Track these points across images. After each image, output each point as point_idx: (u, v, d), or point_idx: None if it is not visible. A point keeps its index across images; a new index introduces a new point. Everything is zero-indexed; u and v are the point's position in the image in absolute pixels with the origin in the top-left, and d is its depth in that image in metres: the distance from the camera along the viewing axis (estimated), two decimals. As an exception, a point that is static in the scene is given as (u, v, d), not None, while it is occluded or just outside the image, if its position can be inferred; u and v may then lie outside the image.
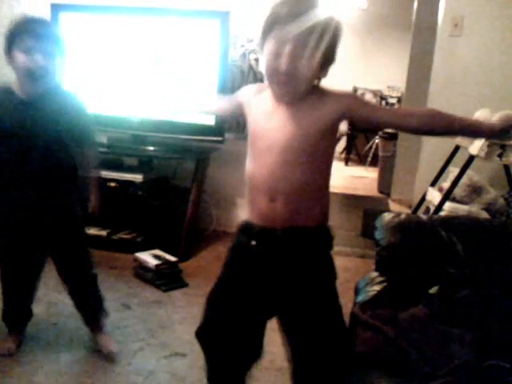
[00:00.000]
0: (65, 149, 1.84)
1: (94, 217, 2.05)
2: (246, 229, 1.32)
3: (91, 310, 2.07)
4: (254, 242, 1.29)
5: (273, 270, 1.28)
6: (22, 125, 1.76)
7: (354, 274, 2.82)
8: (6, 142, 1.78)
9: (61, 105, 1.83)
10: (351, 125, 6.97)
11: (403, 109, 1.41)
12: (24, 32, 1.70)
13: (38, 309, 2.24)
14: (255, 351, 1.39)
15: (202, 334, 1.40)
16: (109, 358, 1.96)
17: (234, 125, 3.36)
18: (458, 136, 1.65)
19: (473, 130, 1.30)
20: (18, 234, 1.88)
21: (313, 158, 1.25)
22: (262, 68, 1.23)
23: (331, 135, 1.27)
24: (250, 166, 1.32)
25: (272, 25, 1.17)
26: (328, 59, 1.20)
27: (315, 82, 1.24)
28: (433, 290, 1.38)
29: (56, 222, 1.89)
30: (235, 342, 1.35)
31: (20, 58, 1.70)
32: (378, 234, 1.81)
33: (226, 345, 1.36)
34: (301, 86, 1.20)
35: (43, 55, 1.71)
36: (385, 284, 1.59)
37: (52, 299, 2.35)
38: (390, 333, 1.23)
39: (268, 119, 1.27)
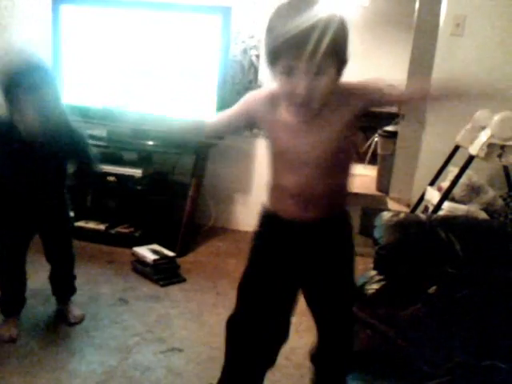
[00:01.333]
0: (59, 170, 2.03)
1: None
2: (273, 218, 1.35)
3: (66, 284, 2.21)
4: (282, 231, 1.34)
5: (299, 250, 1.35)
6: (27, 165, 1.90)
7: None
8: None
9: (60, 143, 1.92)
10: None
11: (403, 91, 1.41)
12: (16, 87, 1.76)
13: (33, 302, 2.24)
14: (283, 335, 1.45)
15: (235, 321, 1.42)
16: (74, 323, 2.14)
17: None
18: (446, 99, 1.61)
19: (460, 94, 1.36)
20: (10, 216, 2.00)
21: (343, 161, 1.29)
22: (278, 88, 1.20)
23: (355, 128, 1.30)
24: (275, 174, 1.33)
25: (279, 51, 1.14)
26: (342, 61, 1.20)
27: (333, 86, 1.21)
28: (432, 290, 1.38)
29: (46, 205, 2.02)
30: (267, 325, 1.39)
31: (16, 116, 1.81)
32: (376, 233, 1.82)
33: (259, 329, 1.39)
34: (320, 101, 1.18)
35: (37, 106, 1.79)
36: (383, 283, 1.60)
37: (49, 292, 2.34)
38: (389, 332, 1.23)
39: (293, 135, 1.25)
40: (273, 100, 1.27)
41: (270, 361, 1.46)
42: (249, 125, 1.41)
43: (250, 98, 1.33)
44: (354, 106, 1.23)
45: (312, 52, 1.09)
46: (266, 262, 1.38)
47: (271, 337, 1.42)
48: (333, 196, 1.31)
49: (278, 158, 1.30)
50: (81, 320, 2.16)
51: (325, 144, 1.23)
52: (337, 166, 1.27)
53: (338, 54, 1.15)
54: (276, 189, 1.34)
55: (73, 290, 2.23)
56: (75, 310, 2.19)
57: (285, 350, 1.96)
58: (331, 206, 1.32)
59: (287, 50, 1.11)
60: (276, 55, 1.15)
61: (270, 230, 1.37)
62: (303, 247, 1.35)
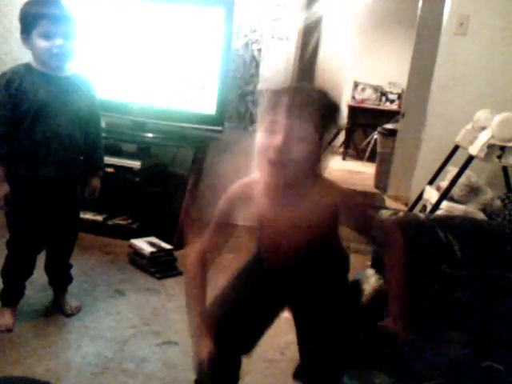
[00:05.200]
0: (80, 127, 1.96)
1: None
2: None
3: (63, 272, 2.19)
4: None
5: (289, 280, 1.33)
6: (46, 99, 1.84)
7: (348, 269, 2.83)
8: (27, 112, 1.83)
9: (79, 87, 1.94)
10: (350, 119, 6.96)
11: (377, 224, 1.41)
12: (42, 16, 1.78)
13: (29, 292, 2.24)
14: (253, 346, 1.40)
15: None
16: (71, 314, 2.14)
17: (234, 115, 3.35)
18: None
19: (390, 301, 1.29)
20: (31, 208, 1.95)
21: (323, 237, 1.28)
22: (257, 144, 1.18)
23: (334, 218, 1.27)
24: (256, 239, 1.37)
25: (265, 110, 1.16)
26: (324, 138, 1.16)
27: (314, 168, 1.21)
28: (430, 291, 1.38)
29: (63, 192, 2.01)
30: (241, 341, 1.36)
31: (41, 43, 1.79)
32: (375, 231, 1.81)
33: (233, 345, 1.34)
34: (296, 166, 1.15)
35: (63, 38, 1.80)
36: (381, 282, 1.59)
37: (44, 282, 2.34)
38: (387, 332, 1.23)
39: (271, 223, 1.28)
40: (248, 196, 1.31)
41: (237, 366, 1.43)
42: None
43: (228, 201, 1.38)
44: (332, 205, 1.24)
45: (295, 114, 1.10)
46: (253, 279, 1.39)
47: (242, 349, 1.39)
48: (314, 257, 1.30)
49: (258, 225, 1.34)
50: (77, 311, 2.16)
51: (302, 228, 1.24)
52: (317, 240, 1.27)
53: (320, 127, 1.13)
54: (259, 244, 1.38)
55: (69, 279, 2.22)
56: (72, 301, 2.19)
57: (279, 345, 1.97)
58: (317, 274, 1.31)
59: (272, 107, 1.13)
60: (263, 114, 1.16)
61: (257, 265, 1.39)
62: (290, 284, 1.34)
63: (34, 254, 2.06)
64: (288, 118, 1.10)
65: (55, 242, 2.11)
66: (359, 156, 7.04)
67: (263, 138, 1.15)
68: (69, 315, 2.13)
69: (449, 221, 1.81)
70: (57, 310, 2.16)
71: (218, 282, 1.46)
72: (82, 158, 2.02)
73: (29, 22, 1.80)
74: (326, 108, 1.14)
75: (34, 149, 1.88)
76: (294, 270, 1.31)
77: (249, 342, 1.38)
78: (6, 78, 1.83)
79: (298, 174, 1.17)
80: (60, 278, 2.21)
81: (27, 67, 1.87)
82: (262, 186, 1.26)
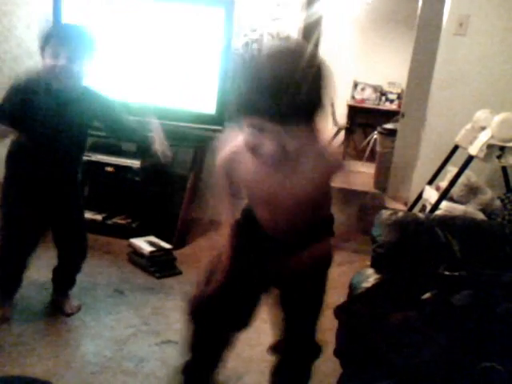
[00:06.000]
0: (85, 135, 2.06)
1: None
2: (252, 222, 1.37)
3: (69, 278, 2.20)
4: (258, 236, 1.37)
5: (276, 253, 1.35)
6: (48, 109, 1.89)
7: (347, 269, 2.83)
8: (36, 118, 1.89)
9: (87, 101, 1.98)
10: (350, 119, 6.96)
11: None
12: (53, 37, 1.84)
13: (30, 290, 2.24)
14: (244, 322, 1.46)
15: (198, 303, 1.43)
16: (71, 314, 2.14)
17: (234, 115, 3.34)
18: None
19: None
20: (27, 198, 1.98)
21: (315, 201, 1.30)
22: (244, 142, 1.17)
23: (326, 184, 1.32)
24: (249, 200, 1.38)
25: (244, 106, 1.11)
26: (315, 105, 1.10)
27: (306, 132, 1.16)
28: (426, 296, 1.38)
29: (62, 191, 2.04)
30: (229, 316, 1.41)
31: (48, 61, 1.84)
32: (375, 231, 1.81)
33: (220, 314, 1.40)
34: (287, 155, 1.15)
35: (68, 59, 1.83)
36: (377, 281, 1.59)
37: (46, 280, 2.34)
38: (366, 331, 1.25)
39: (262, 183, 1.27)
40: (236, 157, 1.30)
41: (226, 342, 1.50)
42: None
43: (221, 163, 1.39)
44: (325, 169, 1.26)
45: (277, 110, 1.04)
46: (239, 256, 1.38)
47: (229, 322, 1.44)
48: (306, 225, 1.33)
49: (248, 197, 1.36)
50: (77, 310, 2.17)
51: (295, 188, 1.24)
52: (308, 206, 1.29)
53: (310, 95, 1.07)
54: (251, 206, 1.38)
55: (73, 283, 2.23)
56: (72, 301, 2.19)
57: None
58: (303, 231, 1.34)
59: (252, 106, 1.08)
60: (241, 110, 1.13)
61: (248, 230, 1.39)
62: (275, 258, 1.35)
63: (26, 250, 2.04)
64: (268, 101, 1.04)
65: (64, 245, 2.13)
66: (359, 156, 7.02)
67: (250, 139, 1.13)
68: (68, 314, 2.13)
69: (448, 221, 1.82)
70: (56, 309, 2.16)
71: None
72: (81, 158, 2.12)
73: (43, 40, 1.86)
74: (310, 88, 1.06)
75: (32, 150, 1.93)
76: (288, 232, 1.33)
77: (237, 317, 1.44)
78: (21, 83, 1.91)
79: (288, 155, 1.16)
80: (65, 282, 2.21)
81: (37, 81, 1.91)
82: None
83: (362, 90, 7.04)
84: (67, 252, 2.15)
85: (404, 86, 5.17)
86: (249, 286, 1.40)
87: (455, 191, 2.82)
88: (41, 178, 1.97)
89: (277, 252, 1.35)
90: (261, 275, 1.39)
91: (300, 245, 1.33)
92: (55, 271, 2.18)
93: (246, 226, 1.39)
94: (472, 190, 2.83)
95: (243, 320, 1.45)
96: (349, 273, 1.97)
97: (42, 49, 1.87)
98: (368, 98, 7.04)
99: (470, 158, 2.66)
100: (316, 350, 1.48)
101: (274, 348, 1.52)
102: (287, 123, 1.07)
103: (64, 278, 2.20)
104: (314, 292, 1.43)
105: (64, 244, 2.13)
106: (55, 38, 1.84)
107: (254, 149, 1.14)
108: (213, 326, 1.43)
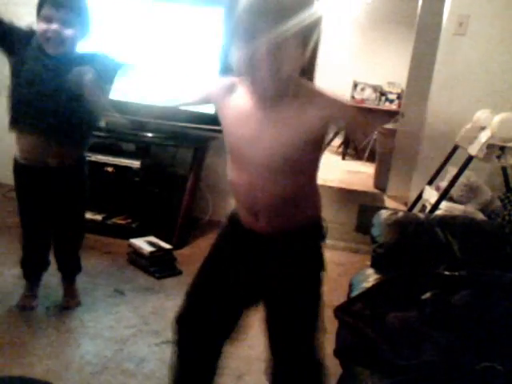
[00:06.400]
0: (78, 104, 1.89)
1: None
2: (235, 222, 1.29)
3: (72, 260, 2.22)
4: (240, 238, 1.28)
5: (260, 259, 1.26)
6: (39, 70, 1.87)
7: (347, 269, 2.84)
8: (22, 85, 1.88)
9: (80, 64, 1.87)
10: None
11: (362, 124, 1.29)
12: (47, 1, 1.82)
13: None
14: (230, 334, 1.36)
15: (183, 319, 1.37)
16: (67, 307, 2.17)
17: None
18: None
19: None
20: (33, 180, 2.00)
21: (296, 169, 1.16)
22: (234, 60, 1.11)
23: (317, 143, 1.17)
24: (229, 173, 1.24)
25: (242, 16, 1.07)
26: (307, 40, 1.08)
27: (295, 73, 1.12)
28: (426, 296, 1.38)
29: (66, 176, 2.01)
30: (215, 326, 1.33)
31: (40, 25, 1.83)
32: (374, 231, 1.82)
33: (206, 329, 1.33)
34: (280, 77, 1.07)
35: (61, 24, 1.81)
36: (378, 281, 1.60)
37: (46, 281, 2.34)
38: (366, 331, 1.24)
39: (245, 125, 1.16)
40: (232, 87, 1.20)
41: (216, 355, 1.38)
42: (205, 103, 1.34)
43: (214, 83, 1.29)
44: (317, 116, 1.11)
45: (276, 17, 1.02)
46: (222, 264, 1.33)
47: (217, 335, 1.36)
48: (286, 205, 1.19)
49: (230, 153, 1.22)
50: (75, 305, 2.19)
51: (274, 143, 1.13)
52: (287, 174, 1.16)
53: (301, 34, 1.06)
54: (232, 192, 1.27)
55: (74, 267, 2.24)
56: (74, 295, 2.21)
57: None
58: (289, 217, 1.21)
59: (252, 13, 1.05)
60: (239, 22, 1.08)
61: (231, 233, 1.32)
62: (257, 261, 1.26)
63: (37, 233, 2.10)
64: (267, 23, 1.03)
65: (59, 227, 2.14)
66: (358, 156, 7.03)
67: (244, 49, 1.07)
68: (66, 308, 2.16)
69: (448, 221, 1.82)
70: (55, 305, 2.18)
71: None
72: (83, 139, 2.05)
73: (39, 4, 1.85)
74: (306, 11, 1.06)
75: (18, 108, 1.91)
76: (268, 213, 1.20)
77: (224, 325, 1.35)
78: (28, 30, 1.92)
79: (286, 81, 1.09)
80: (65, 263, 2.22)
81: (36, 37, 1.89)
82: (246, 98, 1.16)
83: (362, 90, 7.05)
84: (62, 230, 2.15)
85: (404, 85, 5.17)
86: (231, 295, 1.31)
87: (455, 191, 2.82)
88: (42, 158, 1.94)
89: (261, 253, 1.26)
90: (244, 282, 1.30)
91: (284, 242, 1.23)
92: (55, 255, 2.19)
93: (230, 230, 1.32)
94: (472, 190, 2.83)
95: (227, 330, 1.36)
96: (349, 273, 1.98)
97: (38, 14, 1.85)
98: (368, 98, 7.04)
99: (470, 158, 2.66)
100: (316, 370, 1.28)
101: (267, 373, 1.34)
102: (283, 48, 1.05)
103: (64, 261, 2.21)
104: (305, 300, 1.28)
105: (59, 223, 2.12)
106: (49, 1, 1.82)
107: (249, 70, 1.08)
108: (197, 337, 1.34)
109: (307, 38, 1.09)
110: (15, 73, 1.90)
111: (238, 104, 1.18)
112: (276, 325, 1.28)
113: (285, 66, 1.06)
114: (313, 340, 1.26)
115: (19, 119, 1.92)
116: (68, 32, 1.84)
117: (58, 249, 2.18)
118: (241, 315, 1.34)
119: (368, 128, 1.24)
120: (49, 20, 1.81)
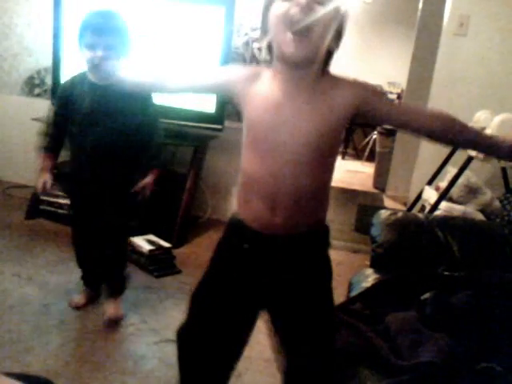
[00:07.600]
0: (125, 135, 1.98)
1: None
2: (238, 228, 1.20)
3: (113, 279, 2.21)
4: (246, 245, 1.19)
5: (266, 271, 1.19)
6: (90, 108, 1.93)
7: (346, 269, 2.83)
8: (75, 118, 1.95)
9: (127, 94, 1.87)
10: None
11: (418, 108, 1.25)
12: (87, 28, 1.86)
13: (28, 289, 2.24)
14: (238, 351, 1.29)
15: (185, 333, 1.30)
16: (107, 323, 2.09)
17: (234, 113, 3.34)
18: (469, 148, 1.62)
19: (489, 145, 1.22)
20: (81, 202, 2.10)
21: (324, 158, 1.12)
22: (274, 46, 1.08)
23: (342, 131, 1.15)
24: (247, 164, 1.17)
25: None
26: (340, 31, 1.09)
27: (326, 61, 1.09)
28: (425, 296, 1.38)
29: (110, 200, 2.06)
30: (219, 341, 1.25)
31: (86, 54, 1.87)
32: (374, 231, 1.82)
33: (209, 346, 1.25)
34: (317, 46, 1.04)
35: (105, 49, 1.84)
36: (377, 281, 1.60)
37: (44, 279, 2.34)
38: (366, 330, 1.24)
39: (274, 113, 1.11)
40: (255, 73, 1.16)
41: (223, 376, 1.32)
42: (219, 89, 1.26)
43: (233, 69, 1.21)
44: (348, 101, 1.09)
45: None
46: (225, 276, 1.24)
47: (222, 354, 1.28)
48: (307, 202, 1.14)
49: (252, 143, 1.16)
50: (116, 319, 2.10)
51: (306, 129, 1.08)
52: (317, 161, 1.11)
53: (338, 20, 1.06)
54: (245, 186, 1.19)
55: (116, 285, 2.19)
56: (116, 309, 2.13)
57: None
58: (307, 215, 1.16)
59: None
60: None
61: (233, 241, 1.22)
62: (267, 268, 1.18)
63: (85, 245, 2.16)
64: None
65: (101, 243, 2.12)
66: (358, 156, 7.03)
67: (282, 7, 1.05)
68: (105, 322, 2.09)
69: (448, 221, 1.82)
70: (54, 306, 2.16)
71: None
72: (130, 162, 2.09)
73: (80, 33, 1.88)
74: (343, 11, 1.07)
75: (78, 154, 2.02)
76: (278, 221, 1.13)
77: (231, 349, 1.28)
78: (63, 88, 2.02)
79: (318, 48, 1.05)
80: (109, 281, 2.20)
81: (82, 76, 1.97)
82: (272, 84, 1.13)
83: (362, 89, 7.05)
84: (101, 248, 2.13)
85: (404, 85, 5.17)
86: (233, 308, 1.23)
87: (455, 191, 2.82)
88: (83, 184, 2.04)
89: (270, 259, 1.18)
90: (248, 293, 1.22)
91: (296, 246, 1.17)
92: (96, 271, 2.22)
93: (233, 237, 1.23)
94: (471, 191, 2.83)
95: (231, 358, 1.29)
96: (348, 273, 1.98)
97: (80, 43, 1.88)
98: (368, 97, 7.04)
99: (470, 159, 2.66)
100: (330, 371, 1.23)
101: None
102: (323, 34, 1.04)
103: (104, 275, 2.20)
104: (323, 308, 1.22)
105: (100, 241, 2.11)
106: (90, 29, 1.84)
107: (284, 16, 1.05)
108: (199, 359, 1.27)
109: (341, 28, 1.09)
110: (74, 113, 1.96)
111: (265, 92, 1.13)
112: (295, 335, 1.22)
113: (319, 29, 1.04)
114: (331, 345, 1.23)
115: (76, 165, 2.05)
116: (116, 56, 1.86)
117: (100, 264, 2.17)
118: (246, 337, 1.28)
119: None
120: (92, 47, 1.84)
